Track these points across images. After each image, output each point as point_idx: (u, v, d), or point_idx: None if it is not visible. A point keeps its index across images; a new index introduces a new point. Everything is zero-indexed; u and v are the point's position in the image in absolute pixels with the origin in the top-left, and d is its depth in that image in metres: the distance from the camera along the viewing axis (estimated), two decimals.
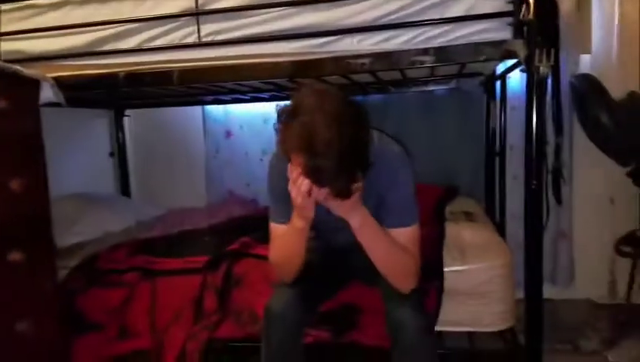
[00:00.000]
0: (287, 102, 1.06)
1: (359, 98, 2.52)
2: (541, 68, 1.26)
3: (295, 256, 1.25)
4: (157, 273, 1.80)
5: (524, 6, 1.25)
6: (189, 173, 2.98)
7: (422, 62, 1.40)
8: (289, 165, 1.08)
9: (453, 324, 1.57)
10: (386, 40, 1.40)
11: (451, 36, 1.36)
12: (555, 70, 1.31)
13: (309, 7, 1.42)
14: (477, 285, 1.58)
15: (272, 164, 1.31)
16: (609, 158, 2.20)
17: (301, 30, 1.43)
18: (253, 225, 2.05)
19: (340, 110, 1.00)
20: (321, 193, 1.05)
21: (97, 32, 1.57)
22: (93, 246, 2.04)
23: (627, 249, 2.20)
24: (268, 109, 2.73)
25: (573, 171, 2.34)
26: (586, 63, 2.32)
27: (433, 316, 1.51)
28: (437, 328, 1.53)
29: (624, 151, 2.10)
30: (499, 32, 1.33)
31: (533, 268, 1.37)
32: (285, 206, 1.18)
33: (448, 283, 1.56)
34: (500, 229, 2.26)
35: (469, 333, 1.63)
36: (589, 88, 2.10)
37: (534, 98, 1.31)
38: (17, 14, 1.63)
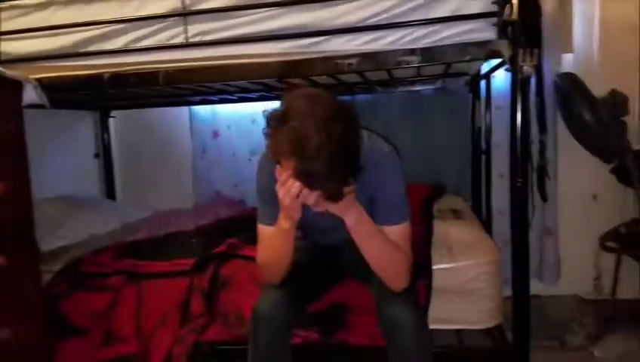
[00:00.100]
0: (276, 106, 1.06)
1: (347, 98, 2.52)
2: (525, 67, 1.28)
3: (282, 256, 1.25)
4: (143, 276, 1.78)
5: (508, 7, 1.27)
6: (175, 174, 2.95)
7: (408, 63, 1.41)
8: (277, 167, 1.08)
9: (441, 322, 1.58)
10: (374, 40, 1.40)
11: (437, 37, 1.37)
12: (539, 69, 1.33)
13: (296, 7, 1.42)
14: (465, 282, 1.59)
15: (261, 164, 1.30)
16: (593, 156, 2.24)
17: (289, 31, 1.43)
18: (240, 226, 2.04)
19: (331, 113, 1.00)
20: (311, 196, 1.05)
21: (83, 33, 1.55)
22: (77, 249, 2.01)
23: (612, 245, 2.24)
24: (256, 109, 2.72)
25: (558, 169, 2.37)
26: (568, 62, 2.35)
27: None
28: None
29: (607, 148, 2.14)
30: (483, 32, 1.34)
31: (520, 265, 1.38)
32: (273, 207, 1.17)
33: (436, 280, 1.57)
34: (487, 227, 2.28)
35: (457, 331, 1.64)
36: (572, 87, 2.13)
37: (518, 97, 1.32)
38: (1, 15, 1.60)
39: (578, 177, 2.40)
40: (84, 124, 2.89)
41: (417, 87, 2.53)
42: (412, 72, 1.98)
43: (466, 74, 2.21)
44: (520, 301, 1.39)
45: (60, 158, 2.59)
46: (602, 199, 2.39)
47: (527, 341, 1.38)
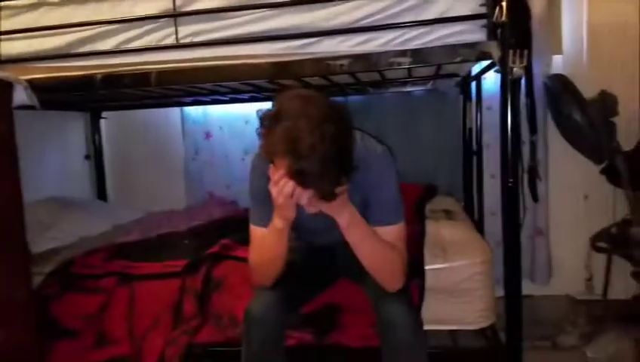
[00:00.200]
0: (269, 107, 1.06)
1: (339, 99, 2.53)
2: (515, 68, 1.29)
3: (276, 257, 1.24)
4: (135, 278, 1.77)
5: (498, 9, 1.28)
6: (167, 176, 2.94)
7: (400, 64, 1.42)
8: (271, 166, 1.08)
9: (435, 323, 1.58)
10: (365, 42, 1.41)
11: (428, 38, 1.38)
12: (528, 71, 1.34)
13: (287, 9, 1.42)
14: (458, 282, 1.60)
15: (254, 165, 1.30)
16: (583, 156, 2.26)
17: (281, 32, 1.43)
18: (233, 227, 2.04)
19: (324, 114, 1.01)
20: (305, 195, 1.05)
21: (74, 34, 1.54)
22: (68, 251, 2.00)
23: (603, 245, 2.25)
24: (248, 110, 2.70)
25: (549, 169, 2.39)
26: (558, 64, 2.38)
27: None
28: None
29: (597, 149, 2.16)
30: (474, 34, 1.35)
31: (512, 265, 1.39)
32: (266, 208, 1.17)
33: (430, 280, 1.57)
34: (479, 227, 2.29)
35: (451, 331, 1.64)
36: (562, 88, 2.15)
37: (509, 98, 1.33)
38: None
39: (569, 178, 2.42)
40: (75, 125, 2.87)
41: (409, 88, 2.55)
42: (403, 73, 1.99)
43: (456, 75, 2.23)
44: (512, 301, 1.39)
45: (51, 160, 2.57)
46: (593, 199, 2.41)
47: (519, 341, 1.39)
